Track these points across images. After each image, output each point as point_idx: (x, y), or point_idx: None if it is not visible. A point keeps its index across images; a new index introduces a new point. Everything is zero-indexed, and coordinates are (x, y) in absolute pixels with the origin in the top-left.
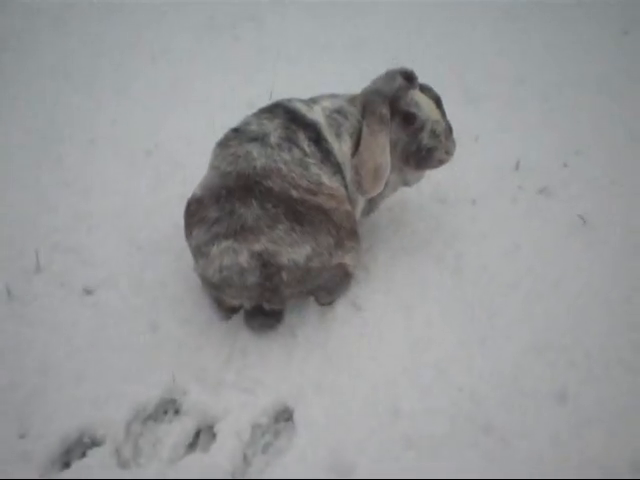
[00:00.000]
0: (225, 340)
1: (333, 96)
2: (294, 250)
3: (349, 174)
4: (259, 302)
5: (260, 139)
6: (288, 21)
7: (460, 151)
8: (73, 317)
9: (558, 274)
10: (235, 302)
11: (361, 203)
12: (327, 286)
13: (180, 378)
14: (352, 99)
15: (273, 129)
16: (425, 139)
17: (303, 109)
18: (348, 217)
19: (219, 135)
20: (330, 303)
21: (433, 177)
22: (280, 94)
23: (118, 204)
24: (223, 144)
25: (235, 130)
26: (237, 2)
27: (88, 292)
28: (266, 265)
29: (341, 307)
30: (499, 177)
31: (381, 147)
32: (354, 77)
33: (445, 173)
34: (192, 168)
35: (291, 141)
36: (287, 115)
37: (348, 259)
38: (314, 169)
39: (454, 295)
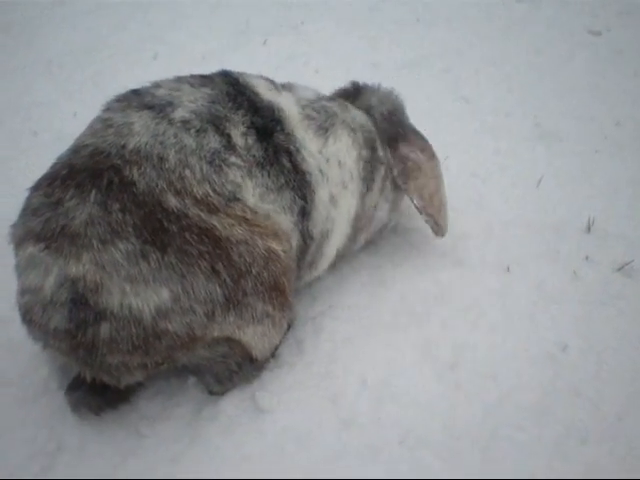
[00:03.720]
0: (46, 420)
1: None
2: (136, 290)
3: (327, 190)
4: (76, 364)
5: (158, 108)
6: (329, 32)
7: (509, 196)
8: None
9: (622, 407)
10: (39, 346)
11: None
12: (213, 370)
13: None
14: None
15: (190, 99)
16: None
17: (261, 87)
18: (268, 262)
19: None
20: (221, 393)
21: (454, 228)
22: None
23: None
24: (104, 108)
25: (134, 92)
26: (276, 9)
27: None
28: (76, 302)
29: (233, 402)
30: (558, 239)
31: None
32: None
33: (475, 224)
34: None
35: (211, 122)
36: (228, 87)
37: (251, 334)
38: (233, 173)
39: (437, 408)
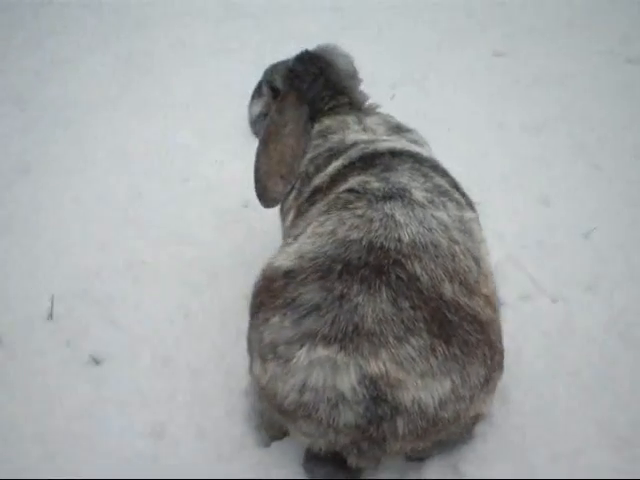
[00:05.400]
0: (243, 477)
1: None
2: (426, 385)
3: None
4: (344, 451)
5: (398, 196)
6: (451, 88)
7: None
8: (64, 388)
9: None
10: (305, 439)
11: None
12: (447, 440)
13: None
14: None
15: (409, 178)
16: None
17: (413, 147)
18: (499, 331)
19: None
20: (422, 459)
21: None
22: None
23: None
24: (337, 207)
25: (353, 191)
26: (400, 63)
27: (95, 361)
28: (377, 400)
29: (435, 468)
30: None
31: None
32: (528, 163)
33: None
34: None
35: (441, 193)
36: (410, 157)
37: (488, 404)
38: (477, 229)
39: None
